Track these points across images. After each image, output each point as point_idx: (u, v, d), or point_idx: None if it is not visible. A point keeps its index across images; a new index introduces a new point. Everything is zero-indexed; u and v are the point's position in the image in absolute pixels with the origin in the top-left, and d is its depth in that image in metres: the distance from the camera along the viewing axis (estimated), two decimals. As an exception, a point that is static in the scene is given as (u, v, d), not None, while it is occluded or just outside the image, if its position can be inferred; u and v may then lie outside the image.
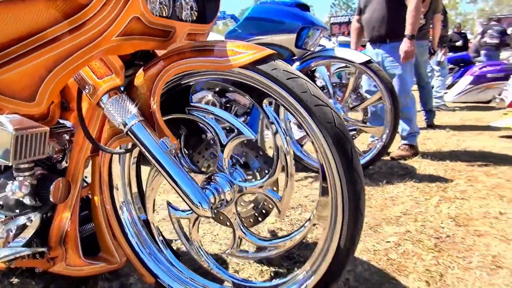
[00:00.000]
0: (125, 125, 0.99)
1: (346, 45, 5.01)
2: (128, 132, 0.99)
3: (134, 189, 1.25)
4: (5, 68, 0.93)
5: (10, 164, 1.09)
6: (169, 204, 1.20)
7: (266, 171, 1.08)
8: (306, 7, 2.48)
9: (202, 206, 0.96)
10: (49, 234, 1.21)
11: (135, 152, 1.22)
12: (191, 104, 1.14)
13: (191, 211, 1.16)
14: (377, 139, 2.61)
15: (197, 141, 1.16)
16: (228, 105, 2.53)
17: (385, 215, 1.86)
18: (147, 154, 0.99)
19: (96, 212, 1.24)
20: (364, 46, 3.65)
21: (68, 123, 1.26)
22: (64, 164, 1.27)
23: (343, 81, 3.98)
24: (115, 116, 1.00)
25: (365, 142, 3.25)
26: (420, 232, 1.67)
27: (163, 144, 0.99)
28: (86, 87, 1.01)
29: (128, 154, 1.20)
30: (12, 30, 0.89)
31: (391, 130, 2.47)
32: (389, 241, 1.59)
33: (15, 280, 1.36)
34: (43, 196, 1.15)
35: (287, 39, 2.31)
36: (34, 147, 1.09)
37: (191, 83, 1.12)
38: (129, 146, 1.17)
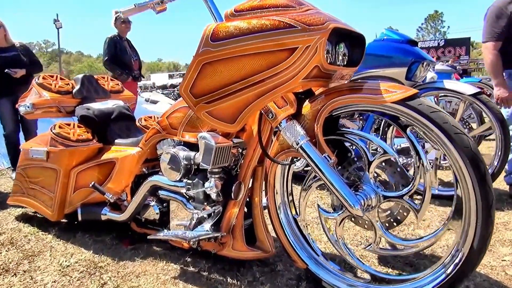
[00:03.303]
0: (297, 143, 1.33)
1: (444, 73, 5.03)
2: (299, 149, 1.33)
3: (289, 193, 1.59)
4: (223, 100, 1.33)
5: (209, 169, 1.50)
6: (319, 206, 1.51)
7: (403, 185, 1.34)
8: (415, 43, 2.72)
9: (355, 207, 1.25)
10: (222, 223, 1.59)
11: (292, 165, 1.56)
12: (340, 129, 1.45)
13: (337, 213, 1.45)
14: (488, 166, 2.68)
15: (343, 158, 1.46)
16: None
17: (498, 238, 1.96)
18: (313, 166, 1.31)
19: (255, 210, 1.60)
20: (461, 74, 3.68)
21: (238, 140, 1.65)
22: (234, 172, 1.66)
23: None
24: (289, 136, 1.35)
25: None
26: (536, 255, 1.77)
27: (325, 158, 1.31)
28: (269, 114, 1.38)
29: (286, 166, 1.55)
30: (233, 74, 1.29)
31: (500, 158, 2.55)
32: (504, 260, 1.71)
33: (188, 259, 1.76)
34: (226, 193, 1.54)
35: (398, 72, 2.55)
36: (224, 156, 1.49)
37: (340, 113, 1.43)
38: (289, 161, 1.52)
